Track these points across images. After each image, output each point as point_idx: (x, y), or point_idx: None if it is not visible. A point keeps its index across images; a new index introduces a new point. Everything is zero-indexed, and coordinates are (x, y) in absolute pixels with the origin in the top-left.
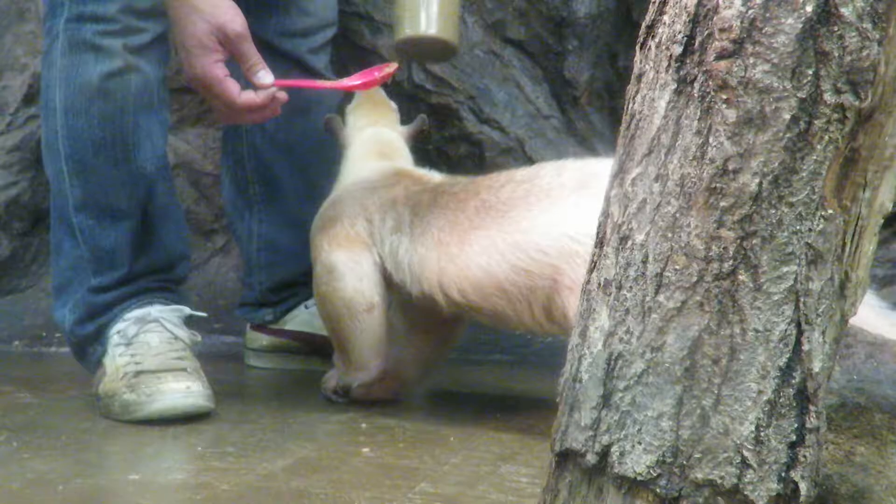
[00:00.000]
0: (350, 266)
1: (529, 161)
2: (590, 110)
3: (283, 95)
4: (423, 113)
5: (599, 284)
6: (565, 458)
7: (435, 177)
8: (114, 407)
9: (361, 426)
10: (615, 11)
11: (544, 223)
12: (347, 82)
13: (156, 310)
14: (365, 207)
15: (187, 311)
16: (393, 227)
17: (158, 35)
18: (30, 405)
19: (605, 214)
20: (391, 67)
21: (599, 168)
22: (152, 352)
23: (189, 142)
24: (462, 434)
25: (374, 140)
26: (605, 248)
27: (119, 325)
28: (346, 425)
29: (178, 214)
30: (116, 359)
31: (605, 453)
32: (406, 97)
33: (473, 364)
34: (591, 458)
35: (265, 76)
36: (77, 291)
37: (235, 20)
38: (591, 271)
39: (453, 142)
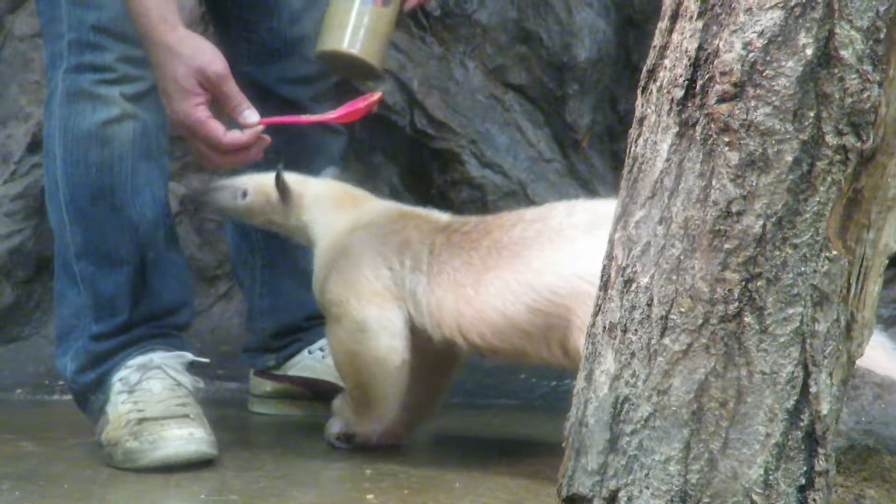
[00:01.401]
0: (383, 324)
1: (532, 205)
2: (591, 154)
3: (266, 137)
4: (426, 157)
5: (604, 328)
6: (573, 503)
7: (441, 216)
8: (117, 455)
9: (366, 472)
10: (615, 56)
11: (556, 264)
12: (333, 114)
13: (158, 356)
14: (383, 255)
15: (190, 357)
16: (412, 267)
17: (156, 83)
18: (32, 454)
19: (609, 257)
20: (375, 96)
21: (610, 209)
22: (155, 399)
23: (192, 188)
24: (467, 479)
25: (334, 182)
26: (609, 290)
27: (121, 373)
28: (351, 471)
29: (179, 261)
30: (119, 406)
31: (612, 498)
32: (407, 142)
33: (478, 409)
34: None
35: (251, 115)
36: (78, 339)
37: (216, 61)
38: (595, 314)
39: (455, 186)
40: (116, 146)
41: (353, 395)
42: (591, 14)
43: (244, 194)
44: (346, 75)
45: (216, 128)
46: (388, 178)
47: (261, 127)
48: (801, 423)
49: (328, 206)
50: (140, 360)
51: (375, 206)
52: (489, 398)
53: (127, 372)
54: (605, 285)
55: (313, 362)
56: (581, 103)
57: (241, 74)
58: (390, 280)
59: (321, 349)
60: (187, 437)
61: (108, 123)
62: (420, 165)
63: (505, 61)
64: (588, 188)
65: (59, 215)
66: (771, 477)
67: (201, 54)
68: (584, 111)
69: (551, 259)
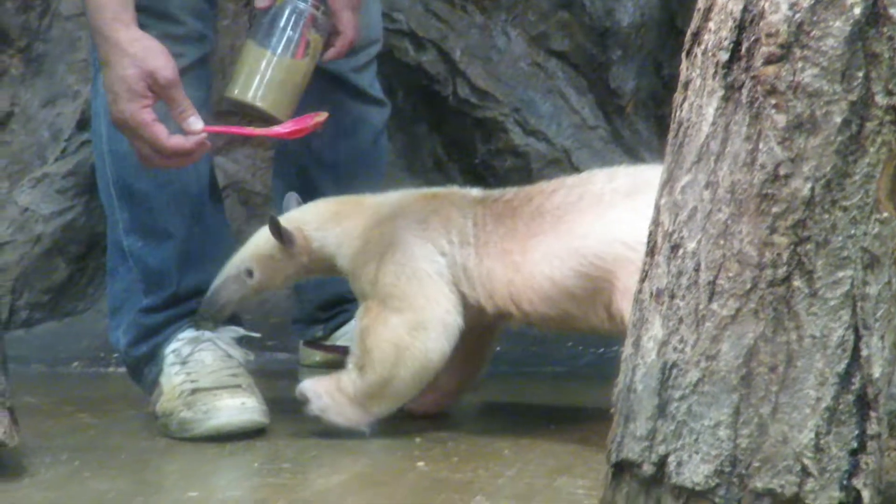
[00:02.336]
0: (445, 326)
1: (576, 172)
2: (636, 119)
3: (209, 143)
4: (469, 127)
5: (651, 294)
6: (622, 469)
7: (472, 190)
8: (171, 425)
9: (415, 440)
10: (659, 20)
11: (599, 229)
12: (280, 129)
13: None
14: (432, 240)
15: (241, 331)
16: (460, 242)
17: (197, 59)
18: (90, 425)
19: (656, 223)
20: (322, 116)
21: (651, 174)
22: (207, 370)
23: (238, 162)
24: (516, 447)
25: (319, 201)
26: (656, 256)
27: (173, 345)
28: (401, 440)
29: (226, 234)
30: (172, 378)
31: (661, 463)
32: (450, 112)
33: (526, 376)
34: (647, 469)
35: (195, 122)
36: (130, 313)
37: (167, 66)
38: (642, 280)
39: (499, 155)
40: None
41: (376, 385)
42: None
43: (250, 274)
44: (252, 118)
45: (160, 131)
46: (431, 149)
47: (204, 135)
48: (853, 387)
49: (331, 221)
50: (191, 333)
51: (391, 198)
52: (536, 366)
53: (179, 344)
54: (651, 251)
55: None
56: (625, 69)
57: None
58: (446, 268)
59: None
60: (240, 406)
61: None
62: (463, 135)
63: (547, 28)
64: (633, 154)
65: (108, 192)
66: (822, 441)
67: (153, 57)
68: (628, 77)
69: (594, 224)
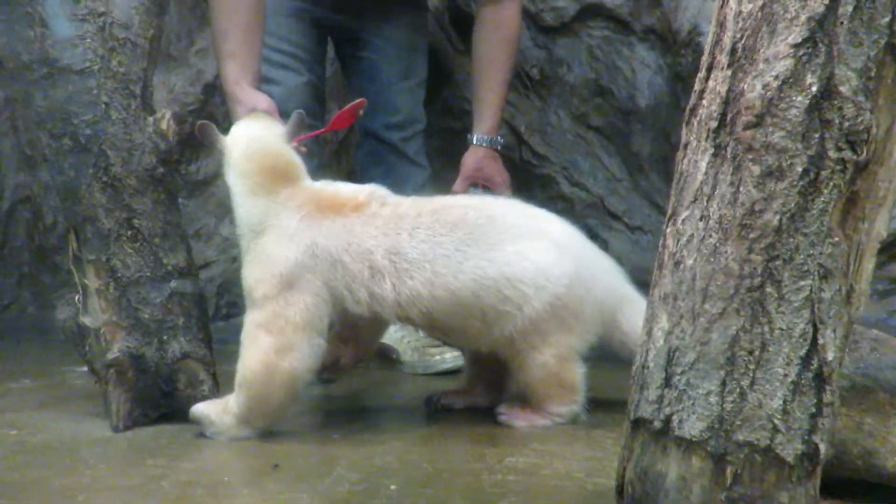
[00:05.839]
0: (312, 346)
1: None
2: (651, 174)
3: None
4: (531, 180)
5: (660, 297)
6: (638, 424)
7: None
8: None
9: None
10: (668, 102)
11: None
12: (330, 126)
13: None
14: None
15: None
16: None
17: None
18: None
19: (663, 246)
20: (358, 101)
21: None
22: None
23: None
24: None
25: (257, 150)
26: (663, 270)
27: None
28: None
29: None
30: None
31: (667, 420)
32: (516, 169)
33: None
34: (657, 424)
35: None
36: None
37: (263, 103)
38: (653, 287)
39: (552, 200)
40: None
41: (254, 403)
42: (650, 73)
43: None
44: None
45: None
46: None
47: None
48: (812, 367)
49: (262, 192)
50: None
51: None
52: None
53: None
54: (659, 266)
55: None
56: (643, 138)
57: (358, 124)
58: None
59: None
60: None
61: None
62: (527, 186)
63: (587, 109)
64: (649, 198)
65: None
66: (789, 406)
67: (256, 100)
68: (645, 143)
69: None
